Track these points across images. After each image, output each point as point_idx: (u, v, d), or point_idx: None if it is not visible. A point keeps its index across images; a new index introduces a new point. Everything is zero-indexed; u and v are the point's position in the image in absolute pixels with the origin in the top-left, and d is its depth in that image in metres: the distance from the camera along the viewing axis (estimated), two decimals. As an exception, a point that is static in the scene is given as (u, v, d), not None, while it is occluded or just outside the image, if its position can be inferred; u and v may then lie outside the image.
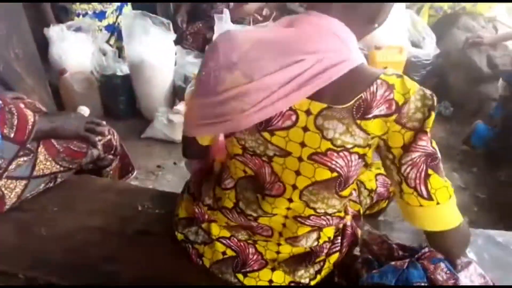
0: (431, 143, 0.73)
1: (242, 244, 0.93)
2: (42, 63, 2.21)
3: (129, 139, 2.22)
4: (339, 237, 0.94)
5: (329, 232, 0.92)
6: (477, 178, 2.04)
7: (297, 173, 0.78)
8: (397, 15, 2.47)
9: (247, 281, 0.92)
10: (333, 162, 0.74)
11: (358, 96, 0.70)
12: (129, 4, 2.60)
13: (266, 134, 0.76)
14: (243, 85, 0.72)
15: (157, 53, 2.13)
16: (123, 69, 2.29)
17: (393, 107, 0.70)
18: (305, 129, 0.74)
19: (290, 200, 0.82)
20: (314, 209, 0.83)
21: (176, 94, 2.33)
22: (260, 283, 0.92)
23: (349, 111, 0.71)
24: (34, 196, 1.20)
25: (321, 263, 0.92)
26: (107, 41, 2.53)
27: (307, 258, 0.91)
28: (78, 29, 2.27)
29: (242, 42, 0.74)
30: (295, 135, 0.75)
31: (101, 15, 2.45)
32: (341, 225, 0.94)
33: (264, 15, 2.77)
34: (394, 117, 0.70)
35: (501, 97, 2.02)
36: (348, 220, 0.96)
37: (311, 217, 0.84)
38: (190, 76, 2.22)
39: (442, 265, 0.90)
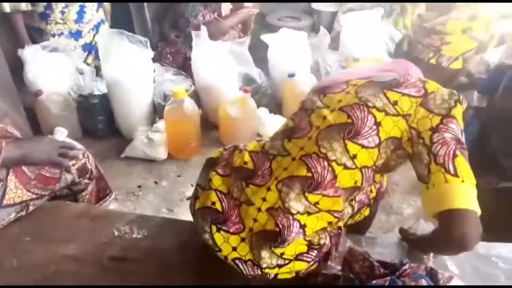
0: (461, 132, 0.87)
1: (231, 205, 0.99)
2: (17, 86, 2.18)
3: (108, 159, 2.18)
4: (314, 252, 0.96)
5: (309, 230, 0.94)
6: (458, 186, 2.05)
7: (324, 118, 0.97)
8: (374, 28, 2.51)
9: (216, 236, 0.98)
10: (353, 112, 0.93)
11: (394, 77, 0.95)
12: (106, 22, 2.58)
13: (321, 95, 1.02)
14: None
15: (134, 71, 2.11)
16: (101, 88, 2.26)
17: (422, 92, 0.91)
18: (347, 93, 0.98)
19: (310, 138, 0.97)
20: (319, 146, 0.94)
21: (156, 112, 2.31)
22: (224, 245, 0.97)
23: (383, 85, 0.95)
24: (5, 226, 1.15)
25: (286, 261, 0.94)
26: (84, 61, 2.50)
27: (274, 238, 0.92)
28: (54, 50, 2.23)
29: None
30: (339, 96, 0.99)
31: (77, 35, 2.41)
32: (322, 241, 0.96)
33: (241, 32, 2.78)
34: (419, 100, 0.90)
35: (476, 108, 2.05)
36: (327, 241, 0.97)
37: (313, 156, 0.93)
38: (170, 94, 2.19)
39: (423, 281, 0.89)
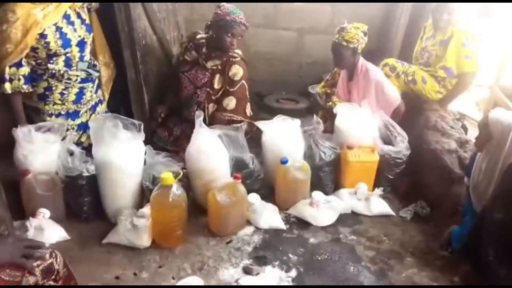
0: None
1: None
2: (9, 163, 2.16)
3: (89, 244, 2.09)
4: None
5: None
6: (459, 289, 1.91)
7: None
8: (367, 117, 2.53)
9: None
10: None
11: None
12: (104, 102, 2.63)
13: None
14: None
15: (125, 156, 2.09)
16: (90, 169, 2.23)
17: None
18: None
19: None
20: None
21: (144, 195, 2.25)
22: None
23: None
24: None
25: None
26: (79, 139, 2.51)
27: None
28: (47, 130, 2.24)
29: None
30: None
31: (74, 115, 2.45)
32: None
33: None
34: None
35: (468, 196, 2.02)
36: None
37: None
38: (159, 176, 2.15)
39: None
